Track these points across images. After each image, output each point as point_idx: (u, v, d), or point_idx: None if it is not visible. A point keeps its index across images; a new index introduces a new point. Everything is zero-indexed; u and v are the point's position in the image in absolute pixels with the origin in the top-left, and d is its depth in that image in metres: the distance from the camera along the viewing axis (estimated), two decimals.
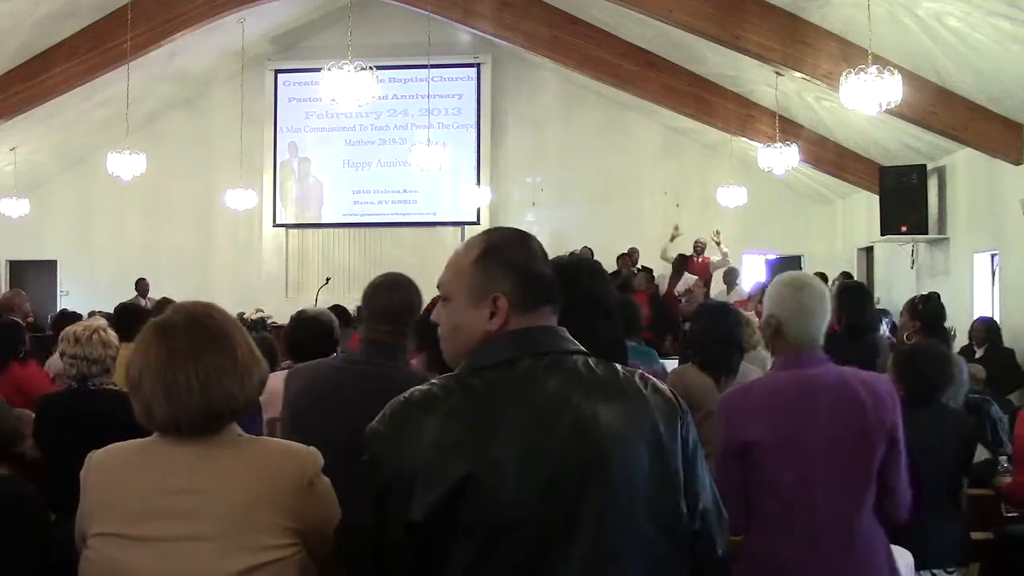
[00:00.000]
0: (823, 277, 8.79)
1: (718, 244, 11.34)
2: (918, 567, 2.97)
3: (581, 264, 2.28)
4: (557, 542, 1.40)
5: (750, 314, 5.11)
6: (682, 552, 1.50)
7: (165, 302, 5.49)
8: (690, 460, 1.52)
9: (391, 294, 2.50)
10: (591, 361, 1.52)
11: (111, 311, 9.01)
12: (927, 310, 4.61)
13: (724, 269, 11.12)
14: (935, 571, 3.17)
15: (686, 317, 9.16)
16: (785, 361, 2.39)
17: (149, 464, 1.65)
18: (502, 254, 1.54)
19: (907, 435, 2.37)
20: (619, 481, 1.43)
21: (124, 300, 8.09)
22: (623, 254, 11.52)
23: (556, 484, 1.41)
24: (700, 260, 11.45)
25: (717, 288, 11.07)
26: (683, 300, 10.31)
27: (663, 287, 11.10)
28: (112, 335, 3.30)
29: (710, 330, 3.73)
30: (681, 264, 11.17)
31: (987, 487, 3.85)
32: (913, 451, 2.42)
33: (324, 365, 2.70)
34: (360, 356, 2.53)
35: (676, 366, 4.74)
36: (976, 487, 3.78)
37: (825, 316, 2.38)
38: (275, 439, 1.76)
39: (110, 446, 1.71)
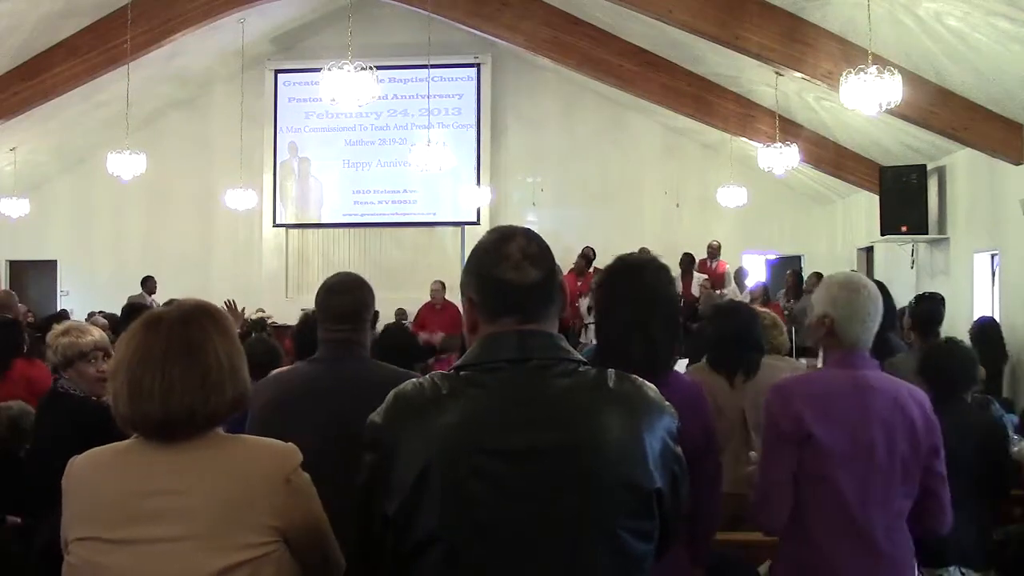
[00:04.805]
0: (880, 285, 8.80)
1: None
2: (936, 565, 2.97)
3: (647, 265, 2.28)
4: (530, 544, 1.37)
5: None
6: (650, 556, 1.47)
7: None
8: (666, 465, 1.45)
9: (345, 295, 2.53)
10: (557, 368, 1.46)
11: (111, 311, 9.00)
12: (918, 310, 4.57)
13: (735, 269, 11.14)
14: (964, 570, 3.16)
15: (701, 317, 9.13)
16: (840, 360, 2.38)
17: (128, 467, 1.64)
18: (474, 256, 1.53)
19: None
20: (591, 487, 1.39)
21: (126, 300, 8.14)
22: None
23: (523, 486, 1.38)
24: (714, 266, 11.32)
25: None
26: (699, 300, 10.29)
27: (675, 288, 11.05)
28: (74, 337, 3.23)
29: (720, 329, 3.76)
30: (689, 264, 11.09)
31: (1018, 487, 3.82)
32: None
33: (289, 372, 2.69)
34: (324, 356, 2.53)
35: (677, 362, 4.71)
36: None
37: (877, 319, 2.39)
38: (253, 437, 1.74)
39: (90, 450, 1.68)
